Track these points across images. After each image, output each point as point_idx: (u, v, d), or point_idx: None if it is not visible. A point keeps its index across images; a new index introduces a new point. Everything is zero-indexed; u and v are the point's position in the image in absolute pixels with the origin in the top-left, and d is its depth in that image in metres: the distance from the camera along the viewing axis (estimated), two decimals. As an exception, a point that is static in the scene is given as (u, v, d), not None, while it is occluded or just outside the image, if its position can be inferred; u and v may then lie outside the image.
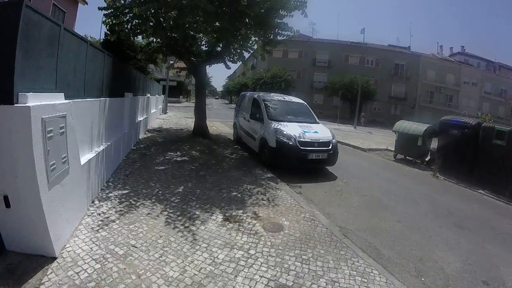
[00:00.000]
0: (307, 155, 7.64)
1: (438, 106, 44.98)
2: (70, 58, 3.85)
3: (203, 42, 11.17)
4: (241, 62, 12.28)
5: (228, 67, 12.00)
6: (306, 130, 8.24)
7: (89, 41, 4.58)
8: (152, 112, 14.06)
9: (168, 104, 22.99)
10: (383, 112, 45.16)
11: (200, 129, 11.08)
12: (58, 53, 3.41)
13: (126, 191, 5.09)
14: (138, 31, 8.81)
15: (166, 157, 7.73)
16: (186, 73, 12.45)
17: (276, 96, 10.20)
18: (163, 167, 6.77)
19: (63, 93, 3.51)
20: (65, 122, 3.40)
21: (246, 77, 50.81)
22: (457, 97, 47.81)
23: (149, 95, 12.55)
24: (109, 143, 5.63)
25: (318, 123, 9.36)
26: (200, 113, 11.22)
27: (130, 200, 4.76)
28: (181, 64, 12.11)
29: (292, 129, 8.01)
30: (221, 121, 19.29)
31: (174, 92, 35.66)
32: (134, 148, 8.40)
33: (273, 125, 8.27)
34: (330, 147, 7.98)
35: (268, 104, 9.32)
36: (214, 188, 5.81)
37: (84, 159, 4.18)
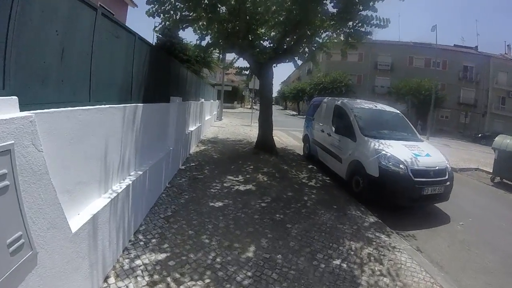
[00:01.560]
0: (422, 190, 5.37)
1: (511, 114, 38.51)
2: (45, 22, 1.90)
3: (266, 37, 9.10)
4: (298, 64, 9.99)
5: (296, 66, 9.84)
6: (416, 152, 5.93)
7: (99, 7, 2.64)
8: (206, 119, 12.36)
9: (223, 110, 21.46)
10: (450, 120, 39.94)
11: (265, 144, 8.95)
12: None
13: (163, 256, 3.09)
14: (189, 18, 6.99)
15: (225, 184, 5.69)
16: (248, 74, 10.43)
17: (365, 104, 7.76)
18: (221, 204, 4.69)
19: (16, 97, 1.57)
20: (11, 162, 1.44)
21: (302, 82, 48.37)
22: (532, 102, 40.03)
23: (203, 100, 10.83)
24: (142, 171, 3.70)
25: (422, 140, 6.91)
26: (266, 124, 9.10)
27: (168, 278, 2.73)
28: (239, 64, 10.22)
29: (399, 151, 5.77)
30: (282, 130, 17.18)
31: (229, 97, 34.61)
32: (183, 168, 6.52)
33: (371, 145, 5.98)
34: (446, 177, 5.74)
35: (359, 115, 6.96)
36: (303, 250, 3.59)
37: (82, 219, 2.23)
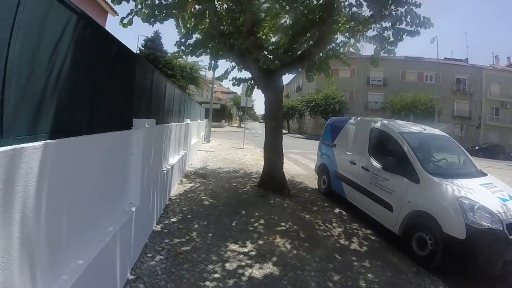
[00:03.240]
0: None
1: (505, 124, 39.09)
2: None
3: (274, 36, 6.99)
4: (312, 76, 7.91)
5: (310, 79, 7.77)
6: (499, 195, 4.15)
7: None
8: (192, 144, 10.00)
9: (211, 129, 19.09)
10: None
11: (274, 180, 6.53)
12: None
13: None
14: (170, 2, 4.79)
15: (227, 265, 3.31)
16: (248, 88, 8.12)
17: (412, 127, 5.76)
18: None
19: None
20: None
21: (292, 99, 46.87)
22: (525, 112, 40.73)
23: (188, 120, 8.54)
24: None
25: (486, 173, 5.10)
26: (275, 154, 6.72)
27: None
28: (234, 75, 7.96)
29: (484, 198, 3.96)
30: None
31: (217, 115, 32.39)
32: (159, 229, 4.13)
33: (446, 189, 4.04)
34: None
35: (413, 144, 4.93)
36: None
37: None
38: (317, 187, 7.84)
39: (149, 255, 3.38)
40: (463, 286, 3.72)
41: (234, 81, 7.27)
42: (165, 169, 4.95)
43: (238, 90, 64.52)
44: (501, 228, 3.57)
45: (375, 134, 5.73)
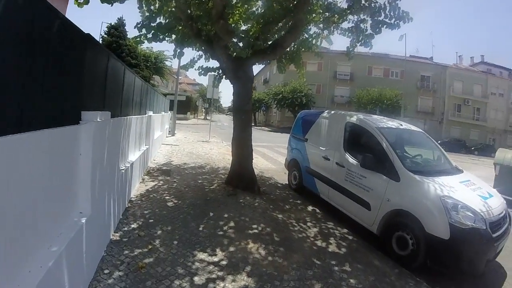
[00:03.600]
0: (497, 247, 3.76)
1: (467, 120, 42.80)
2: None
3: (246, 23, 6.56)
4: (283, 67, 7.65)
5: (282, 71, 7.48)
6: (479, 193, 4.14)
7: None
8: (156, 137, 9.36)
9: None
10: (410, 129, 41.41)
11: (243, 177, 6.18)
12: None
13: None
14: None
15: (196, 278, 2.93)
16: (216, 77, 7.62)
17: (389, 122, 5.64)
18: None
19: None
20: None
21: (258, 92, 46.63)
22: (485, 109, 44.53)
23: (151, 113, 7.93)
24: None
25: (461, 170, 5.06)
26: (244, 150, 6.31)
27: None
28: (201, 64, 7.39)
29: (465, 196, 3.89)
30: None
31: (182, 108, 31.39)
32: (117, 237, 3.63)
33: (427, 187, 3.93)
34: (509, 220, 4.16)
35: (392, 140, 4.78)
36: None
37: None
38: (287, 183, 7.63)
39: (106, 271, 2.90)
40: (447, 286, 3.62)
41: (200, 70, 6.79)
42: (123, 168, 4.41)
43: (204, 81, 62.99)
44: (484, 227, 3.52)
45: (350, 128, 5.55)
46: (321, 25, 6.66)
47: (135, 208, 4.65)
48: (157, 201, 5.13)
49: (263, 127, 39.82)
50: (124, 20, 24.23)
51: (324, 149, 6.07)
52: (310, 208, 5.77)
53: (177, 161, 8.91)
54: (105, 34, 22.86)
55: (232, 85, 6.32)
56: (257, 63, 6.57)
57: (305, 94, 35.07)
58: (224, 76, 7.08)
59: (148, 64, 22.07)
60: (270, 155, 13.06)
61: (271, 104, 40.41)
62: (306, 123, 7.15)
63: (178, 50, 6.38)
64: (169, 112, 18.32)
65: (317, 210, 5.65)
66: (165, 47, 70.25)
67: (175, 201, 5.21)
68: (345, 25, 6.35)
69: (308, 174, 6.59)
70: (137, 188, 5.68)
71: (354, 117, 5.58)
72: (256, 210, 5.19)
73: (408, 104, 35.95)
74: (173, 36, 6.00)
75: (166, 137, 15.20)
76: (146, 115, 7.15)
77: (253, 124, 40.21)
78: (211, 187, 6.28)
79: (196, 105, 44.33)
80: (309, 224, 4.89)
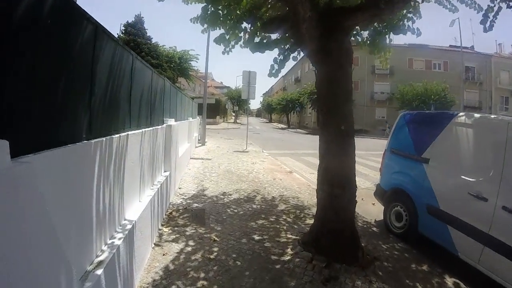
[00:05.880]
0: None
1: None
2: None
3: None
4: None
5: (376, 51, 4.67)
6: None
7: None
8: (181, 155, 6.82)
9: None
10: (457, 126, 37.05)
11: (341, 237, 3.31)
12: None
13: None
14: None
15: None
16: (278, 60, 4.76)
17: None
18: None
19: None
20: None
21: (290, 92, 43.74)
22: (536, 100, 38.52)
23: (172, 121, 5.43)
24: None
25: None
26: (345, 187, 3.40)
27: None
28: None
29: None
30: (288, 154, 12.08)
31: (210, 112, 29.30)
32: None
33: None
34: None
35: None
36: None
37: None
38: (377, 219, 4.83)
39: None
40: None
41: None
42: (102, 256, 1.83)
43: (232, 84, 61.24)
44: None
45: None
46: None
47: None
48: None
49: (297, 129, 36.92)
50: (143, 17, 22.41)
51: (472, 180, 3.23)
52: (448, 279, 2.94)
53: (213, 189, 6.28)
54: (121, 33, 21.08)
55: (315, 70, 3.61)
56: (359, 29, 3.79)
57: (344, 92, 31.83)
58: (294, 53, 4.36)
59: (172, 65, 19.88)
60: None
61: (306, 104, 37.40)
62: (422, 132, 4.29)
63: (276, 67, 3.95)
64: (198, 117, 15.95)
65: (461, 285, 2.81)
66: (190, 46, 68.01)
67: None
68: None
69: (434, 218, 3.75)
70: (148, 262, 3.09)
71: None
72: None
73: (455, 99, 31.72)
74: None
75: (196, 147, 12.79)
76: (164, 125, 4.60)
77: (286, 126, 37.50)
78: (283, 256, 3.48)
79: (226, 108, 42.26)
80: None
